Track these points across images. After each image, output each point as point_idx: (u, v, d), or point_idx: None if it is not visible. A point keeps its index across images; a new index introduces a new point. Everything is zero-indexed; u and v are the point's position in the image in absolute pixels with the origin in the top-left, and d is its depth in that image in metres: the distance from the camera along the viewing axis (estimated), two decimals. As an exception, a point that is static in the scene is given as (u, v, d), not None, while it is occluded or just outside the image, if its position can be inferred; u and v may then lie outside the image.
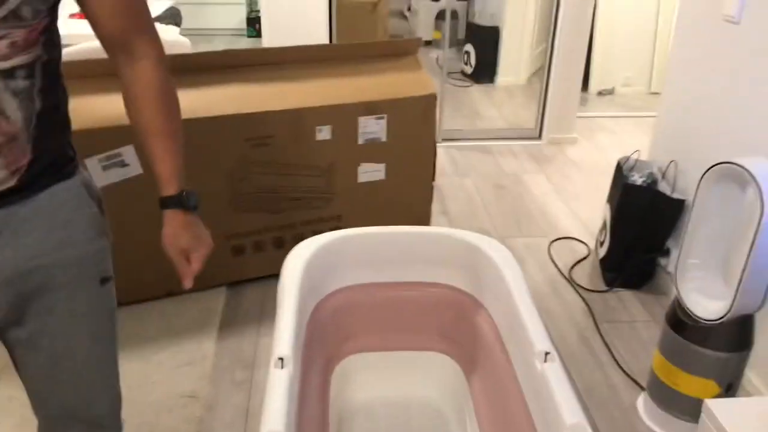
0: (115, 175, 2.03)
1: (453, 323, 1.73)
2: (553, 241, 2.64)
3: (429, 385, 1.78)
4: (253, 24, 6.02)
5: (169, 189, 1.05)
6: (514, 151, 3.53)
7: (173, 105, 1.06)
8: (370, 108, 2.29)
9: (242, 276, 2.33)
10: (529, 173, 3.26)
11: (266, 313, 2.18)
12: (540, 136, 3.66)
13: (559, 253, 2.56)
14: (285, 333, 1.35)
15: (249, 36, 6.14)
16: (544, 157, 3.47)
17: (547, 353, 1.29)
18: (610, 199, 2.42)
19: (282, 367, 1.26)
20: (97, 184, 2.01)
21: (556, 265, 2.48)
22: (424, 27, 5.74)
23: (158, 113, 1.02)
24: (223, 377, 1.88)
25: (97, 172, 2.00)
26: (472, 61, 4.81)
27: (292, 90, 2.24)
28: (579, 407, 1.18)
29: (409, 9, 6.56)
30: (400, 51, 2.45)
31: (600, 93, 4.81)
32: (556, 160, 3.43)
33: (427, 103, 2.37)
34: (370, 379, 1.77)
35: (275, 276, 2.33)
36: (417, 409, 1.75)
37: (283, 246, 2.35)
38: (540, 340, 1.32)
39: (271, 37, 3.42)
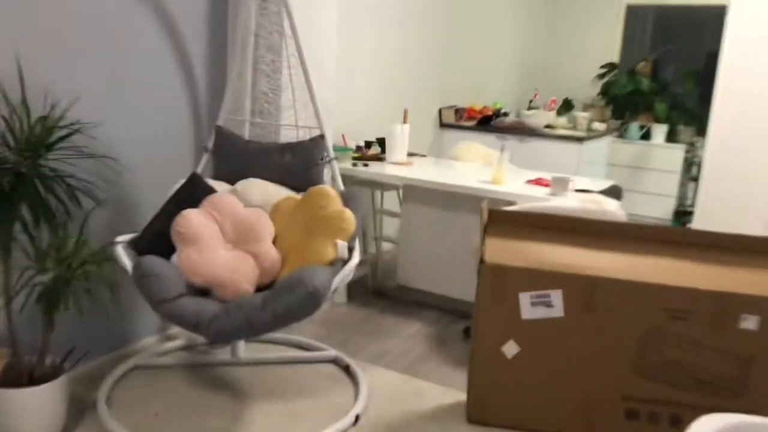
0: (540, 312, 2.31)
1: None
2: None
3: None
4: (680, 217, 6.06)
5: None
6: None
7: None
8: (810, 308, 2.15)
9: (630, 442, 2.33)
10: None
11: (648, 486, 2.12)
12: None
13: None
14: None
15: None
16: None
17: None
18: None
19: None
20: (524, 316, 2.32)
21: None
22: None
23: None
24: None
25: (526, 305, 2.32)
26: None
27: (722, 273, 2.26)
28: None
29: None
30: None
31: None
32: None
33: None
34: None
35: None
36: None
37: (680, 425, 2.29)
38: None
39: (702, 227, 3.46)
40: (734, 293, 2.19)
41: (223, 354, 2.83)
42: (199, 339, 2.93)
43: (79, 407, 2.36)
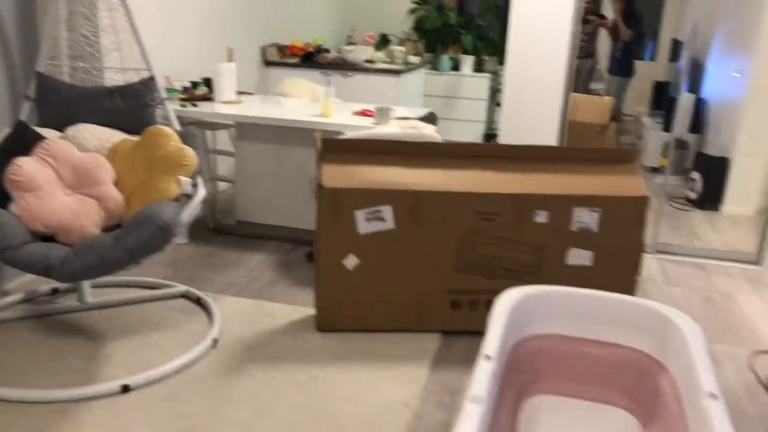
0: (374, 227, 2.61)
1: (636, 383, 1.95)
2: (757, 352, 2.68)
3: (608, 437, 1.99)
4: (489, 139, 6.71)
5: None
6: (730, 273, 3.57)
7: None
8: (586, 201, 2.64)
9: (456, 327, 2.74)
10: (744, 293, 3.29)
11: (472, 359, 2.54)
12: (760, 262, 3.65)
13: (761, 366, 2.60)
14: (483, 374, 1.64)
15: (484, 149, 6.81)
16: (763, 282, 3.46)
17: (712, 394, 1.50)
18: (820, 316, 2.44)
19: (475, 403, 1.54)
20: (360, 231, 2.58)
21: (755, 373, 2.52)
22: (651, 154, 5.94)
23: None
24: (431, 397, 2.27)
25: (361, 221, 2.59)
26: (698, 187, 4.91)
27: (520, 179, 2.69)
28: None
29: (639, 138, 6.81)
30: (620, 158, 2.80)
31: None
32: (774, 285, 3.41)
33: (639, 204, 2.66)
34: (554, 420, 2.03)
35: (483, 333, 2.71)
36: (594, 456, 1.97)
37: (494, 309, 2.73)
38: (708, 385, 1.53)
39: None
40: (529, 194, 2.63)
41: (69, 301, 2.83)
42: (41, 289, 2.89)
43: None
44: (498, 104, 6.85)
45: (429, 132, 3.07)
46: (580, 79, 6.96)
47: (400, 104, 5.21)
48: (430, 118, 3.61)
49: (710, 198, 4.83)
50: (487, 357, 1.64)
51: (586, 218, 2.66)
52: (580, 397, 2.03)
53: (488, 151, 2.80)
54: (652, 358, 1.93)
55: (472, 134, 6.69)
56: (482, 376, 1.56)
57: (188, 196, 2.50)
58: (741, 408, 2.32)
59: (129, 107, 2.75)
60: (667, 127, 5.85)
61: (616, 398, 1.99)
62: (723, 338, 2.82)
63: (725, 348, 2.74)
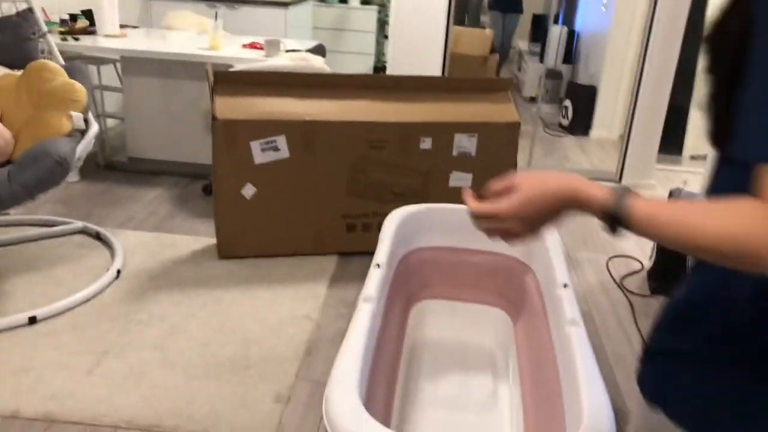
0: (269, 157, 2.73)
1: (507, 283, 2.25)
2: (612, 257, 3.09)
3: (484, 332, 2.29)
4: (378, 72, 6.85)
5: None
6: (594, 190, 3.98)
7: None
8: (465, 127, 2.88)
9: (351, 249, 2.95)
10: (603, 207, 3.71)
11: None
12: (620, 179, 4.10)
13: (616, 267, 3.01)
14: (374, 278, 1.84)
15: (374, 82, 6.94)
16: (620, 196, 3.90)
17: (565, 284, 1.79)
18: (661, 221, 2.85)
19: (367, 302, 1.73)
20: (256, 161, 2.70)
21: (610, 274, 2.93)
22: (530, 84, 6.32)
23: None
24: (330, 310, 2.49)
25: (257, 152, 2.70)
26: (570, 114, 5.33)
27: (407, 108, 2.88)
28: (580, 316, 1.67)
29: (519, 69, 7.19)
30: (495, 87, 3.04)
31: (693, 158, 5.14)
32: (630, 199, 3.86)
33: (512, 129, 2.94)
34: (439, 321, 2.31)
35: (376, 253, 2.94)
36: (473, 350, 2.26)
37: (385, 230, 2.95)
38: (562, 277, 1.82)
39: (394, 76, 4.11)
40: (415, 122, 2.83)
41: (-41, 243, 2.78)
42: (-73, 233, 2.82)
43: None
44: (386, 37, 6.97)
45: (318, 64, 3.18)
46: (470, 12, 7.19)
47: (288, 37, 5.22)
48: (319, 50, 3.71)
49: (581, 124, 5.26)
50: (378, 265, 1.85)
51: (465, 143, 2.91)
52: (461, 299, 2.30)
53: (376, 82, 2.96)
54: (520, 262, 2.22)
55: (363, 67, 6.80)
56: (373, 280, 1.77)
57: (81, 132, 2.51)
58: (596, 300, 2.71)
59: (8, 40, 2.67)
60: (543, 58, 6.22)
61: (491, 298, 2.28)
62: (585, 246, 3.21)
63: (586, 254, 3.13)
